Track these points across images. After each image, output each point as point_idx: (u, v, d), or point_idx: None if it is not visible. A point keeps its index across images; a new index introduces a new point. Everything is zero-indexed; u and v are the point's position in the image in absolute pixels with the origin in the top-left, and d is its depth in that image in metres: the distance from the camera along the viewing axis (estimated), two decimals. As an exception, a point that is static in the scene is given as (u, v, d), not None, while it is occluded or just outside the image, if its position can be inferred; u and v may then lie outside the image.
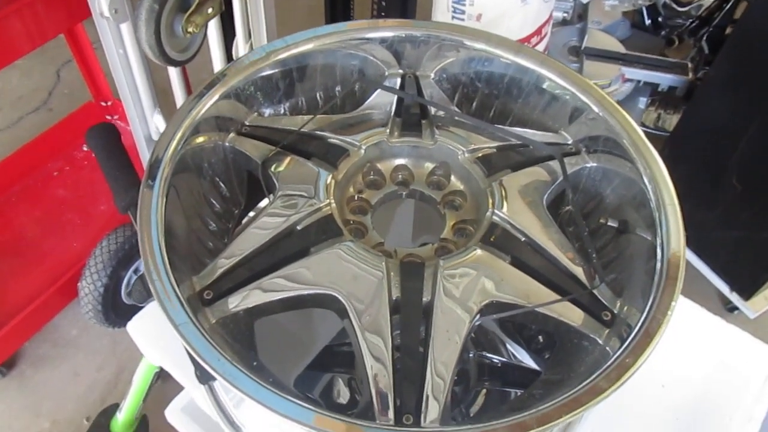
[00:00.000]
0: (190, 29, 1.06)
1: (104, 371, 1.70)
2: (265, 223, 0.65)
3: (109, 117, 2.01)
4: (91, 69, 1.89)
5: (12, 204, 1.81)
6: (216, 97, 0.70)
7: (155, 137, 1.36)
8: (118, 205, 0.92)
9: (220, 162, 0.74)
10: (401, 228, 0.87)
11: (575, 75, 0.74)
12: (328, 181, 0.69)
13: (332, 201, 0.67)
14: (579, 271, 0.64)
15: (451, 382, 0.57)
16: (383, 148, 0.74)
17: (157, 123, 1.33)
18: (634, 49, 2.03)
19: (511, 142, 0.74)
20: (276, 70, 0.75)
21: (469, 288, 0.61)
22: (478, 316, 0.60)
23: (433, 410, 0.55)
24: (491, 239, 0.65)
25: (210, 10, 1.09)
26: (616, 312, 0.62)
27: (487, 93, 0.81)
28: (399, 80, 0.79)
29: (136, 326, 0.94)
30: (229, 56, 1.26)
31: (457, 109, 0.80)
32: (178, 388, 0.98)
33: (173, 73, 1.32)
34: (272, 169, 0.71)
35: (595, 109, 0.72)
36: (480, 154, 0.73)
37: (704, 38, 2.08)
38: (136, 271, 1.57)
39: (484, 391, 0.99)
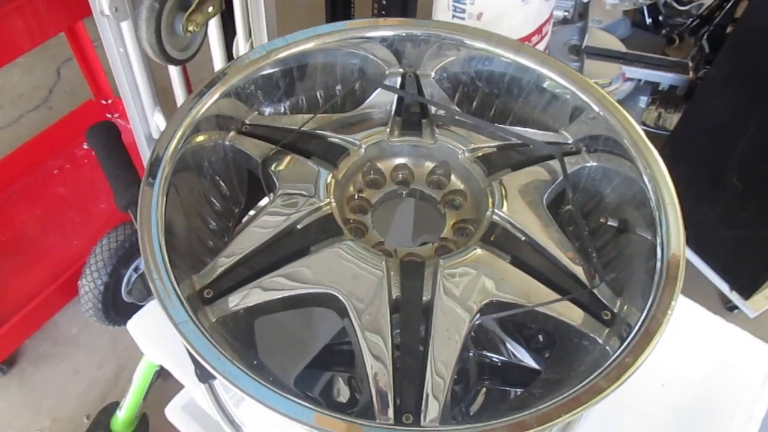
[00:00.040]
0: (190, 28, 1.06)
1: (104, 369, 1.70)
2: (265, 222, 0.65)
3: (109, 115, 2.01)
4: (92, 67, 1.89)
5: (12, 202, 1.81)
6: (216, 95, 0.70)
7: (155, 136, 1.36)
8: (118, 204, 0.92)
9: (220, 161, 0.74)
10: (401, 227, 0.87)
11: (576, 74, 0.74)
12: (329, 180, 0.69)
13: (332, 200, 0.67)
14: (579, 271, 0.64)
15: (451, 381, 0.57)
16: (383, 147, 0.74)
17: (158, 121, 1.33)
18: (635, 48, 2.03)
19: (511, 141, 0.74)
20: (276, 69, 0.75)
21: (469, 287, 0.61)
22: (478, 315, 0.60)
23: (433, 409, 0.55)
24: (491, 238, 0.65)
25: (210, 9, 1.09)
26: (616, 311, 0.62)
27: (488, 92, 0.81)
28: (399, 79, 0.79)
29: (136, 325, 0.94)
30: (229, 55, 1.26)
31: (457, 108, 0.79)
32: (179, 387, 0.98)
33: (173, 71, 1.32)
34: (272, 167, 0.71)
35: (596, 108, 0.72)
36: (480, 154, 0.73)
37: (705, 37, 2.07)
38: (136, 269, 1.57)
39: (484, 390, 0.99)
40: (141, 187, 0.62)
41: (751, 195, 1.59)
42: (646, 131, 0.70)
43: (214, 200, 0.74)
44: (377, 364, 0.57)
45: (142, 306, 0.97)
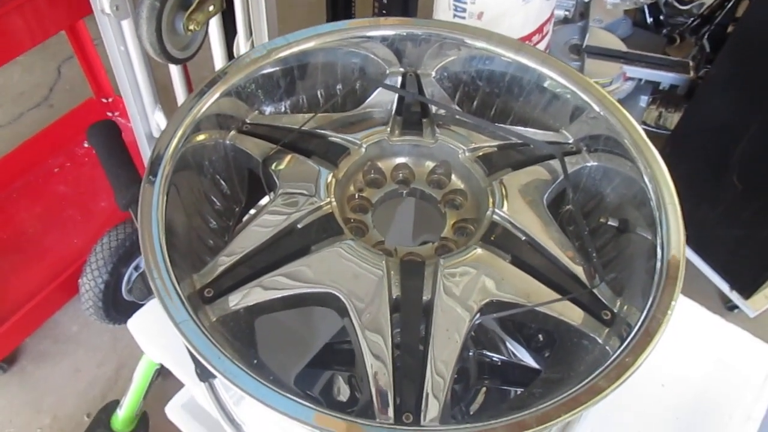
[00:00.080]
0: (191, 27, 1.06)
1: (105, 367, 1.70)
2: (265, 221, 0.65)
3: (110, 113, 2.01)
4: (92, 65, 1.89)
5: (13, 200, 1.82)
6: (217, 95, 0.70)
7: (156, 134, 1.36)
8: (118, 203, 0.92)
9: (220, 160, 0.74)
10: (402, 227, 0.87)
11: (576, 74, 0.74)
12: (329, 180, 0.69)
13: (333, 199, 0.67)
14: (579, 270, 0.64)
15: (451, 381, 0.57)
16: (384, 146, 0.74)
17: (158, 120, 1.33)
18: (636, 48, 2.03)
19: (511, 140, 0.74)
20: (277, 68, 0.75)
21: (469, 287, 0.61)
22: (478, 314, 0.60)
23: (432, 409, 0.55)
24: (491, 238, 0.65)
25: (211, 8, 1.09)
26: (616, 311, 0.62)
27: (488, 91, 0.81)
28: (400, 79, 0.79)
29: (136, 323, 0.94)
30: (230, 54, 1.26)
31: (458, 108, 0.79)
32: (179, 385, 0.98)
33: (174, 70, 1.32)
34: (273, 167, 0.71)
35: (596, 108, 0.72)
36: (481, 153, 0.73)
37: (706, 36, 2.07)
38: (136, 267, 1.57)
39: (484, 389, 0.99)
40: (141, 186, 0.62)
41: (751, 195, 1.59)
42: (646, 131, 0.70)
43: (214, 199, 0.75)
44: (377, 364, 0.57)
45: (142, 304, 0.97)
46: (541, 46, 1.57)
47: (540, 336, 0.91)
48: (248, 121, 0.76)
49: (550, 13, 1.55)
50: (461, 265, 0.62)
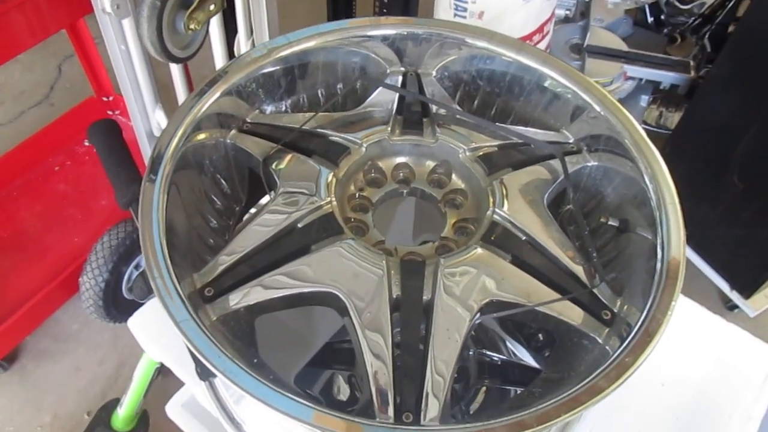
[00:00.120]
0: (192, 26, 1.06)
1: (105, 366, 1.70)
2: (266, 221, 0.65)
3: (110, 112, 2.01)
4: (93, 64, 1.89)
5: (13, 199, 1.82)
6: (217, 94, 0.70)
7: (157, 133, 1.36)
8: (119, 202, 0.92)
9: (221, 159, 0.74)
10: (402, 226, 0.87)
11: (577, 73, 0.74)
12: (329, 179, 0.69)
13: (333, 199, 0.67)
14: (579, 270, 0.64)
15: (451, 380, 0.57)
16: (384, 146, 0.74)
17: (159, 119, 1.33)
18: (637, 47, 2.03)
19: (512, 140, 0.74)
20: (278, 67, 0.75)
21: (469, 286, 0.61)
22: (478, 314, 0.60)
23: (432, 408, 0.55)
24: (492, 238, 0.65)
25: (212, 7, 1.09)
26: (616, 311, 0.62)
27: (489, 91, 0.81)
28: (401, 78, 0.78)
29: (137, 322, 0.95)
30: (230, 53, 1.26)
31: (458, 108, 0.79)
32: (179, 384, 0.98)
33: (175, 69, 1.32)
34: (273, 166, 0.71)
35: (597, 107, 0.72)
36: (481, 153, 0.73)
37: (707, 36, 2.07)
38: (137, 266, 1.57)
39: (484, 388, 0.99)
40: (142, 185, 0.62)
41: (751, 194, 1.59)
42: (647, 130, 0.70)
43: (215, 198, 0.75)
44: (377, 363, 0.57)
45: (142, 303, 0.97)
46: (542, 45, 1.57)
47: (540, 335, 0.92)
48: (249, 121, 0.76)
49: (551, 12, 1.55)
50: (461, 264, 0.62)
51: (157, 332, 0.94)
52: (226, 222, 0.76)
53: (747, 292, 1.76)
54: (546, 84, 0.76)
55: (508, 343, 0.98)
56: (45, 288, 1.60)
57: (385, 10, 1.69)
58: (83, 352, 1.73)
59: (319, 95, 0.81)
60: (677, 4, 2.21)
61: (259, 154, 0.72)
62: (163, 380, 1.20)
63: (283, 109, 0.80)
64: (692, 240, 1.72)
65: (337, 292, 0.60)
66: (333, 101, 0.81)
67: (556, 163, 0.71)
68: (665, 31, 2.29)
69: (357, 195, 0.73)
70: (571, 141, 0.76)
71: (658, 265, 0.60)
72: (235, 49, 1.24)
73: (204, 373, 0.73)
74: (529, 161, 0.73)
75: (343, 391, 1.03)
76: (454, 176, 0.75)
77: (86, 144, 1.94)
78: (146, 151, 1.45)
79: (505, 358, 0.97)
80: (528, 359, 0.95)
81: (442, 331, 0.58)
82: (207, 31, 1.19)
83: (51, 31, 1.38)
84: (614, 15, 2.22)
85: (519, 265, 0.63)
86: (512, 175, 0.70)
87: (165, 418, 1.03)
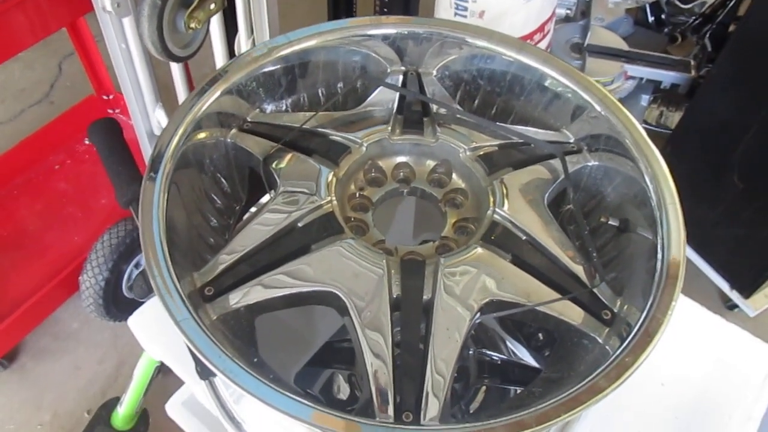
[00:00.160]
0: (192, 25, 1.06)
1: (105, 364, 1.70)
2: (266, 220, 0.65)
3: (110, 111, 2.01)
4: (93, 62, 1.89)
5: (13, 197, 1.82)
6: (218, 93, 0.70)
7: (157, 132, 1.36)
8: (119, 201, 0.92)
9: (221, 158, 0.74)
10: (402, 226, 0.87)
11: (577, 73, 0.74)
12: (330, 179, 0.69)
13: (333, 198, 0.67)
14: (579, 270, 0.64)
15: (451, 380, 0.57)
16: (385, 145, 0.74)
17: (159, 118, 1.33)
18: (637, 47, 2.03)
19: (512, 140, 0.74)
20: (278, 67, 0.75)
21: (469, 286, 0.61)
22: (478, 314, 0.60)
23: (432, 408, 0.55)
24: (492, 237, 0.65)
25: (212, 6, 1.09)
26: (616, 311, 0.62)
27: (489, 90, 0.81)
28: (401, 77, 0.78)
29: (137, 321, 0.95)
30: (231, 52, 1.26)
31: (458, 107, 0.79)
32: (179, 383, 0.98)
33: (175, 68, 1.32)
34: (274, 165, 0.71)
35: (597, 107, 0.72)
36: (481, 152, 0.73)
37: (707, 35, 2.07)
38: (137, 265, 1.57)
39: (484, 388, 0.99)
40: (142, 184, 0.62)
41: (752, 194, 1.59)
42: (647, 129, 0.70)
43: (215, 197, 0.75)
44: (377, 362, 0.57)
45: (142, 302, 0.97)
46: (543, 44, 1.57)
47: (540, 335, 0.92)
48: (249, 120, 0.76)
49: (552, 11, 1.54)
50: (462, 264, 0.62)
51: (157, 331, 0.94)
52: (226, 221, 0.76)
53: (747, 291, 1.76)
54: (546, 83, 0.76)
55: (508, 343, 0.98)
56: (45, 286, 1.60)
57: (385, 9, 1.68)
58: (83, 350, 1.73)
59: (320, 94, 0.81)
60: (678, 3, 2.21)
61: (260, 153, 0.72)
62: (163, 379, 1.20)
63: (284, 108, 0.80)
64: (692, 239, 1.72)
65: (337, 292, 0.60)
66: (333, 100, 0.81)
67: (556, 163, 0.71)
68: (666, 30, 2.29)
69: (357, 194, 0.73)
70: (571, 140, 0.76)
71: (659, 265, 0.60)
72: (236, 48, 1.24)
73: (204, 373, 0.73)
74: (530, 161, 0.73)
75: (343, 391, 1.03)
76: (454, 176, 0.75)
77: (86, 142, 1.94)
78: (146, 150, 1.45)
79: (505, 357, 0.97)
80: (528, 359, 0.95)
81: (442, 330, 0.59)
82: (207, 30, 1.19)
83: (51, 29, 1.38)
84: (615, 14, 2.22)
85: (519, 265, 0.63)
86: (512, 175, 0.70)
87: (165, 417, 1.03)
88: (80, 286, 1.53)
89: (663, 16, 2.28)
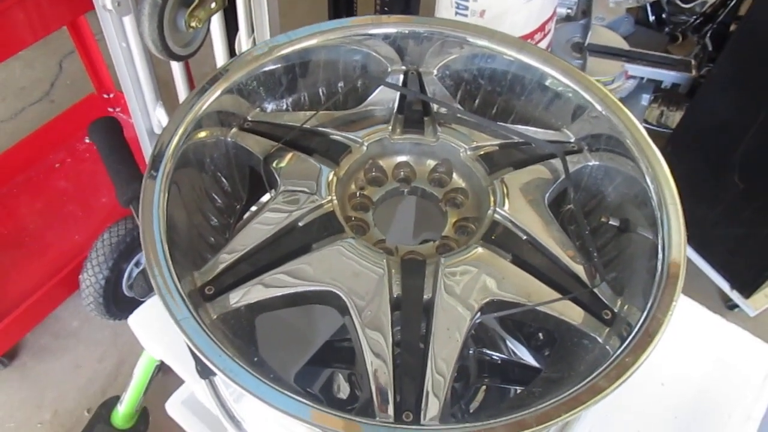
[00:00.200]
0: (193, 24, 1.06)
1: (105, 363, 1.70)
2: (266, 219, 0.65)
3: (111, 109, 2.01)
4: (94, 61, 1.89)
5: (14, 195, 1.82)
6: (218, 92, 0.70)
7: (157, 130, 1.36)
8: (119, 199, 0.92)
9: (222, 157, 0.74)
10: (403, 225, 0.87)
11: (578, 72, 0.74)
12: (330, 178, 0.69)
13: (334, 197, 0.67)
14: (580, 270, 0.64)
15: (451, 380, 0.57)
16: (385, 144, 0.74)
17: (159, 116, 1.33)
18: (638, 46, 2.02)
19: (513, 139, 0.74)
20: (279, 66, 0.75)
21: (470, 286, 0.61)
22: (478, 314, 0.60)
23: (433, 407, 0.55)
24: (492, 237, 0.65)
25: (213, 5, 1.09)
26: (616, 311, 0.62)
27: (490, 90, 0.81)
28: (402, 77, 0.78)
29: (137, 320, 0.95)
30: (231, 51, 1.26)
31: (459, 107, 0.79)
32: (179, 381, 0.98)
33: (176, 67, 1.32)
34: (274, 164, 0.71)
35: (598, 107, 0.72)
36: (482, 152, 0.73)
37: (708, 35, 2.07)
38: (137, 264, 1.57)
39: (484, 387, 0.99)
40: (143, 183, 0.62)
41: (752, 194, 1.59)
42: (648, 129, 0.70)
43: (215, 196, 0.75)
44: (377, 362, 0.57)
45: (143, 301, 0.97)
46: (543, 44, 1.57)
47: (540, 335, 0.92)
48: (250, 119, 0.75)
49: (552, 11, 1.54)
50: (462, 264, 0.62)
51: (158, 330, 0.94)
52: (226, 220, 0.76)
53: (747, 291, 1.76)
54: (547, 83, 0.76)
55: (508, 342, 0.98)
56: (45, 285, 1.60)
57: (386, 9, 1.68)
58: (83, 349, 1.73)
59: (320, 94, 0.81)
60: (679, 2, 2.21)
61: (260, 153, 0.72)
62: (163, 377, 1.20)
63: (284, 107, 0.80)
64: (692, 239, 1.72)
65: (337, 291, 0.60)
66: (334, 100, 0.81)
67: (557, 163, 0.71)
68: (667, 29, 2.29)
69: (358, 194, 0.73)
70: (572, 140, 0.76)
71: (659, 265, 0.60)
72: (236, 47, 1.24)
73: (204, 372, 0.73)
74: (530, 160, 0.72)
75: (344, 390, 1.03)
76: (455, 175, 0.75)
77: (87, 141, 1.94)
78: (147, 149, 1.45)
79: (505, 357, 0.97)
80: (528, 358, 0.95)
81: (443, 330, 0.59)
82: (208, 29, 1.19)
83: (52, 27, 1.38)
84: (616, 13, 2.21)
85: (519, 265, 0.63)
86: (513, 175, 0.70)
87: (165, 416, 1.03)
88: (80, 284, 1.53)
89: (664, 16, 2.27)
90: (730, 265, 1.77)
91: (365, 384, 0.57)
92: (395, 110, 0.76)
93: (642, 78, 1.98)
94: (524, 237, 0.66)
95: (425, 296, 0.61)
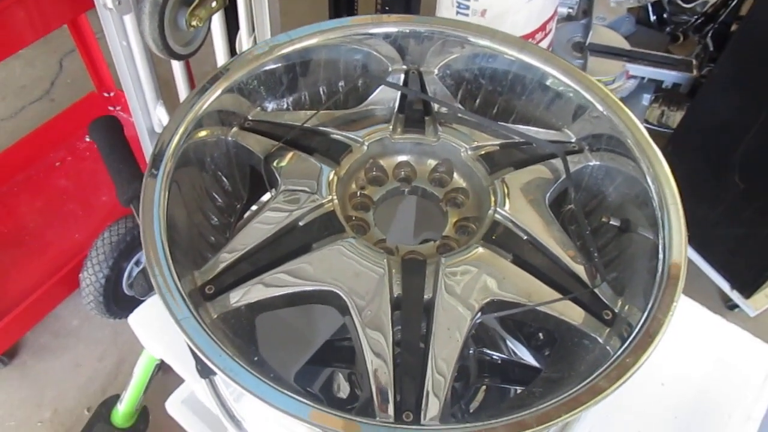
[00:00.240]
0: (193, 23, 1.06)
1: (105, 362, 1.70)
2: (267, 218, 0.65)
3: (111, 108, 2.01)
4: (94, 60, 1.89)
5: (14, 194, 1.82)
6: (219, 91, 0.70)
7: (158, 129, 1.36)
8: (120, 198, 0.92)
9: (222, 156, 0.74)
10: (403, 225, 0.87)
11: (579, 72, 0.74)
12: (331, 177, 0.69)
13: (334, 197, 0.67)
14: (580, 270, 0.64)
15: (451, 380, 0.57)
16: (386, 144, 0.74)
17: (160, 115, 1.33)
18: (639, 46, 2.02)
19: (514, 139, 0.74)
20: (279, 65, 0.75)
21: (470, 286, 0.61)
22: (479, 314, 0.60)
23: (433, 407, 0.55)
24: (493, 237, 0.65)
25: (214, 4, 1.09)
26: (617, 311, 0.62)
27: (491, 90, 0.81)
28: (402, 76, 0.78)
29: (137, 319, 0.95)
30: (232, 50, 1.26)
31: (460, 106, 0.79)
32: (179, 380, 0.98)
33: (176, 65, 1.32)
34: (275, 164, 0.71)
35: (599, 107, 0.72)
36: (483, 152, 0.73)
37: (709, 35, 2.07)
38: (137, 262, 1.57)
39: (484, 387, 0.99)
40: (143, 182, 0.62)
41: (752, 194, 1.59)
42: (648, 129, 0.70)
43: (216, 196, 0.74)
44: (378, 361, 0.57)
45: (143, 300, 0.97)
46: (544, 43, 1.57)
47: (540, 335, 0.92)
48: (250, 118, 0.75)
49: (554, 10, 1.54)
50: (462, 263, 0.62)
51: (158, 329, 0.94)
52: (227, 219, 0.76)
53: (747, 291, 1.76)
54: (548, 83, 0.76)
55: (508, 342, 0.98)
56: (45, 284, 1.60)
57: (387, 8, 1.68)
58: (83, 348, 1.73)
59: (321, 93, 0.81)
60: (680, 2, 2.20)
61: (261, 152, 0.72)
62: (163, 377, 1.20)
63: (285, 106, 0.80)
64: (693, 239, 1.71)
65: (338, 291, 0.60)
66: (335, 99, 0.81)
67: (557, 163, 0.71)
68: (668, 29, 2.29)
69: (358, 193, 0.73)
70: (573, 140, 0.76)
71: (660, 265, 0.60)
72: (237, 46, 1.24)
73: (204, 371, 0.73)
74: (531, 160, 0.72)
75: (344, 389, 1.03)
76: (455, 175, 0.75)
77: (87, 140, 1.94)
78: (147, 148, 1.45)
79: (505, 356, 0.97)
80: (528, 358, 0.95)
81: (443, 330, 0.58)
82: (209, 28, 1.19)
83: (52, 26, 1.38)
84: (617, 13, 2.21)
85: (520, 265, 0.63)
86: (514, 174, 0.70)
87: (165, 415, 1.03)
88: (80, 283, 1.53)
89: (665, 15, 2.27)
90: (731, 265, 1.77)
91: (365, 384, 0.57)
92: (396, 110, 0.76)
93: (643, 78, 1.98)
94: (525, 237, 0.66)
95: (426, 296, 0.61)
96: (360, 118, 0.77)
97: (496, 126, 0.75)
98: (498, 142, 0.74)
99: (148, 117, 1.35)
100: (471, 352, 0.94)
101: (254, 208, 0.79)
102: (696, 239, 1.78)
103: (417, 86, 0.77)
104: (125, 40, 1.19)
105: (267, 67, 0.74)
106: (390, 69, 0.79)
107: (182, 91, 1.38)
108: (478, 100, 0.82)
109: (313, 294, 0.61)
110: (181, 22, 1.06)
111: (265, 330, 0.66)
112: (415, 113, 0.76)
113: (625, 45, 2.01)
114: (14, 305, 1.55)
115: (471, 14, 1.43)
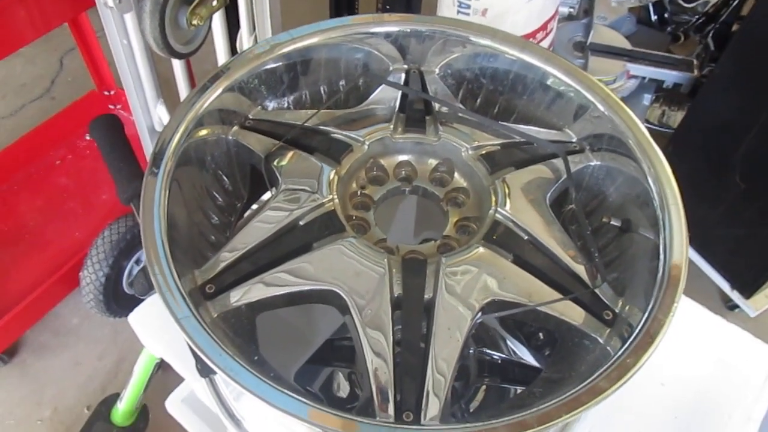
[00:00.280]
0: (194, 21, 1.06)
1: (105, 360, 1.70)
2: (267, 218, 0.65)
3: (112, 106, 2.01)
4: (95, 58, 1.89)
5: (14, 192, 1.82)
6: (220, 90, 0.70)
7: (158, 128, 1.36)
8: (120, 197, 0.92)
9: (223, 155, 0.74)
10: (404, 224, 0.86)
11: (580, 72, 0.74)
12: (331, 177, 0.69)
13: (335, 196, 0.67)
14: (581, 270, 0.64)
15: (451, 380, 0.57)
16: (387, 143, 0.74)
17: (160, 114, 1.33)
18: (640, 46, 2.02)
19: (515, 139, 0.74)
20: (280, 64, 0.75)
21: (471, 285, 0.61)
22: (479, 313, 0.60)
23: (433, 407, 0.55)
24: (494, 237, 0.65)
25: (215, 3, 1.09)
26: (617, 311, 0.62)
27: (492, 89, 0.80)
28: (403, 75, 0.78)
29: (137, 318, 0.95)
30: (233, 49, 1.25)
31: (461, 106, 0.79)
32: (179, 379, 0.98)
33: (177, 64, 1.31)
34: (275, 163, 0.71)
35: (600, 107, 0.72)
36: (484, 152, 0.73)
37: (710, 35, 2.07)
38: (137, 261, 1.57)
39: (484, 387, 0.99)
40: (143, 181, 0.62)
41: (753, 194, 1.59)
42: (649, 129, 0.70)
43: (216, 195, 0.74)
44: (378, 361, 0.57)
45: (143, 298, 0.97)
46: (545, 43, 1.57)
47: (541, 335, 0.92)
48: (251, 117, 0.75)
49: (555, 10, 1.54)
50: (463, 263, 0.62)
51: (158, 328, 0.94)
52: (227, 218, 0.75)
53: (748, 291, 1.76)
54: (549, 82, 0.76)
55: (508, 342, 0.98)
56: (45, 282, 1.60)
57: (388, 7, 1.68)
58: (83, 346, 1.73)
59: (322, 92, 0.81)
60: (681, 2, 2.20)
61: (261, 151, 0.72)
62: (163, 375, 1.20)
63: (286, 105, 0.80)
64: (693, 239, 1.71)
65: (338, 290, 0.60)
66: (335, 98, 0.81)
67: (558, 162, 0.71)
68: (669, 29, 2.28)
69: (359, 193, 0.73)
70: (573, 140, 0.76)
71: (661, 265, 0.60)
72: (238, 45, 1.24)
73: (204, 370, 0.73)
74: (532, 160, 0.72)
75: (344, 389, 1.03)
76: (456, 175, 0.75)
77: (87, 138, 1.94)
78: (147, 147, 1.45)
79: (505, 356, 0.97)
80: (528, 358, 0.95)
81: (444, 329, 0.58)
82: (209, 27, 1.19)
83: (53, 24, 1.37)
84: (618, 13, 2.21)
85: (521, 265, 0.63)
86: (515, 174, 0.70)
87: (165, 413, 1.04)
88: (80, 281, 1.53)
89: (666, 15, 2.27)
90: (731, 265, 1.77)
91: (365, 383, 0.57)
92: (397, 109, 0.76)
93: (644, 78, 1.98)
94: (525, 237, 0.66)
95: (426, 296, 0.61)
96: (361, 117, 0.76)
97: (497, 126, 0.75)
98: (499, 141, 0.74)
99: (149, 115, 1.35)
100: (471, 351, 0.94)
101: (255, 207, 0.79)
102: (696, 239, 1.77)
103: (418, 85, 0.77)
104: (126, 38, 1.19)
105: (268, 66, 0.74)
106: (391, 68, 0.79)
107: (183, 90, 1.38)
108: (479, 100, 0.82)
109: (313, 293, 0.61)
110: (181, 21, 1.06)
111: (266, 329, 0.66)
112: (416, 113, 0.76)
113: (626, 45, 2.00)
114: (14, 303, 1.55)
115: (472, 13, 1.43)
